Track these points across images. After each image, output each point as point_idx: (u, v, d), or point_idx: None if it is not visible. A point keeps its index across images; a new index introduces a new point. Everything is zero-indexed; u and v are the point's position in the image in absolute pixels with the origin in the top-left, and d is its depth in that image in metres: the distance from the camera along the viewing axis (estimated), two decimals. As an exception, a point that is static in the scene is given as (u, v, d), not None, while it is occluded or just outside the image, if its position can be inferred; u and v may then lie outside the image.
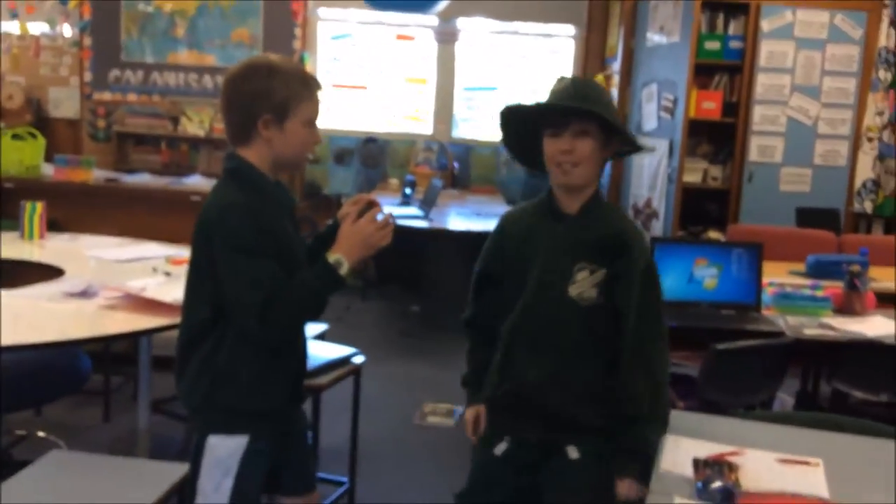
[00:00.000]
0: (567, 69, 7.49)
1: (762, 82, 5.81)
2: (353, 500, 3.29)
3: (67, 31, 7.26)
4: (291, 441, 2.12)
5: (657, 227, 6.07)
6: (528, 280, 1.99)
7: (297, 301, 1.89)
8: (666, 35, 6.14)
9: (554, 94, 1.97)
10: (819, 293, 3.44)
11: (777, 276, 3.82)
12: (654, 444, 1.87)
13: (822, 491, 1.68)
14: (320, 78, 7.38)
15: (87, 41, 7.28)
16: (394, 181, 7.29)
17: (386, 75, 7.59)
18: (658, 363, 1.96)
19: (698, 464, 1.73)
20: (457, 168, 7.44)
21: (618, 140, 2.00)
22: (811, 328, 3.17)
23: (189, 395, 2.00)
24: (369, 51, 7.57)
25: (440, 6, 5.49)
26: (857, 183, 5.93)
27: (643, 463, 1.85)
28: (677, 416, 2.02)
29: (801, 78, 5.82)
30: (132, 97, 7.36)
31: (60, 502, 2.18)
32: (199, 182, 5.21)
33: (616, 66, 6.87)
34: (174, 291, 2.63)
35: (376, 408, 4.28)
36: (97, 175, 5.04)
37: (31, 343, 2.36)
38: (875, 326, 3.22)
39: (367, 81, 7.61)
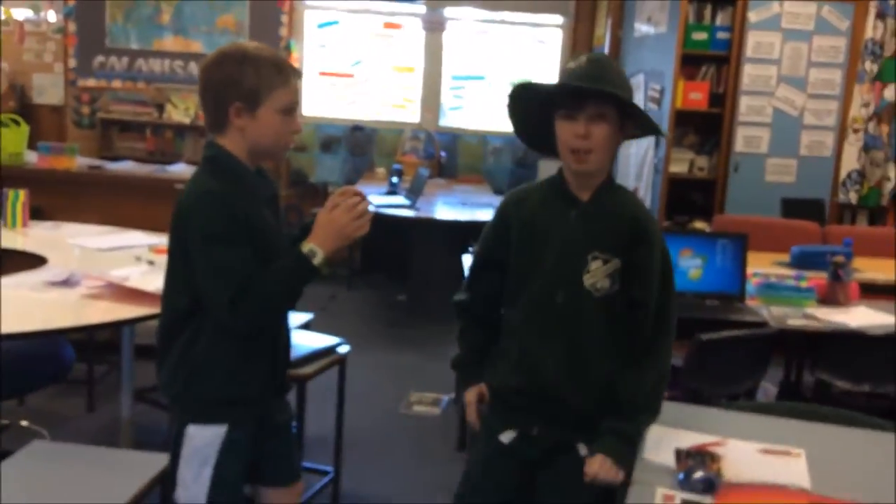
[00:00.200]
0: (554, 59, 7.48)
1: (749, 73, 5.82)
2: (338, 489, 3.29)
3: (52, 16, 7.19)
4: (274, 431, 2.11)
5: (643, 217, 6.06)
6: (539, 268, 1.90)
7: (269, 291, 1.86)
8: (653, 25, 6.13)
9: (568, 73, 1.83)
10: (803, 284, 3.46)
11: (761, 266, 3.84)
12: (642, 432, 1.84)
13: (804, 481, 1.68)
14: (307, 66, 7.40)
15: (72, 27, 7.21)
16: (381, 170, 7.27)
17: (373, 64, 7.56)
18: (665, 357, 1.92)
19: (680, 454, 1.73)
20: (444, 157, 7.43)
21: (632, 123, 1.88)
22: (795, 319, 3.18)
23: (168, 385, 1.99)
24: (356, 39, 7.53)
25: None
26: (843, 174, 5.95)
27: (626, 447, 1.81)
28: (660, 406, 2.03)
29: (788, 69, 5.83)
30: (117, 84, 7.30)
31: (41, 493, 2.17)
32: (183, 170, 5.17)
33: (603, 55, 6.86)
34: (157, 281, 2.60)
35: (362, 397, 4.27)
36: (81, 162, 5.00)
37: (12, 332, 2.34)
38: (858, 317, 3.24)
39: (355, 70, 7.57)
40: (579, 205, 1.90)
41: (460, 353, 2.11)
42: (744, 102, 5.84)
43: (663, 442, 1.81)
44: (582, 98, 1.79)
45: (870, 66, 5.85)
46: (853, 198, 5.95)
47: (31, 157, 4.90)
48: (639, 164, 6.16)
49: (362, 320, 5.93)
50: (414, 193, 5.88)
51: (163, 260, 2.06)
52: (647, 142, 5.97)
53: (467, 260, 3.83)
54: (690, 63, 5.89)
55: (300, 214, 6.94)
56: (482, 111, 7.60)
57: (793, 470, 1.73)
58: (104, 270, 2.91)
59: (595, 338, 1.89)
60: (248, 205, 1.91)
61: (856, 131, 5.91)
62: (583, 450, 1.91)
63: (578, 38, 7.41)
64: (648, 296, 1.88)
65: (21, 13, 7.17)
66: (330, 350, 3.11)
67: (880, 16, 5.82)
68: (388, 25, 7.52)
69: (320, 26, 7.51)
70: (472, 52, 7.58)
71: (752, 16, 5.77)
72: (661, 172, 5.88)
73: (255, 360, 1.99)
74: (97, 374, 4.09)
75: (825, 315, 3.23)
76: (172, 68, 7.28)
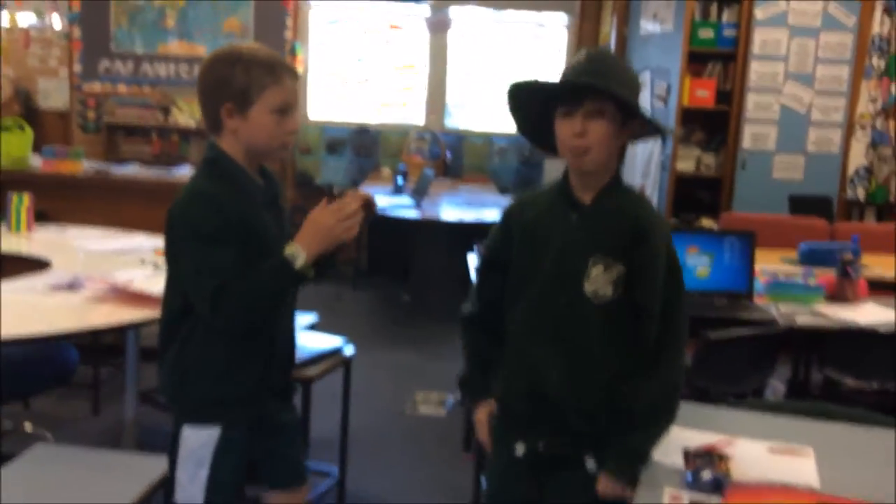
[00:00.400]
0: (560, 58, 7.46)
1: (755, 70, 5.79)
2: (343, 490, 3.27)
3: (57, 22, 7.20)
4: (276, 433, 2.08)
5: (650, 216, 6.04)
6: (539, 273, 1.83)
7: (249, 292, 1.84)
8: (659, 23, 6.11)
9: (568, 68, 1.76)
10: (811, 281, 3.43)
11: (769, 264, 3.81)
12: (651, 445, 1.76)
13: (813, 481, 1.66)
14: (312, 68, 7.40)
15: (77, 32, 7.22)
16: (386, 171, 7.26)
17: (378, 65, 7.55)
18: (677, 368, 1.81)
19: (688, 454, 1.70)
20: (449, 157, 7.41)
21: (638, 121, 1.78)
22: (803, 316, 3.16)
23: (165, 386, 1.99)
24: (361, 41, 7.52)
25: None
26: (850, 170, 5.93)
27: (632, 462, 1.74)
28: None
29: (795, 66, 5.80)
30: (122, 88, 7.31)
31: (42, 496, 2.16)
32: (188, 173, 5.17)
33: (609, 54, 6.84)
34: (161, 283, 2.58)
35: (367, 397, 4.26)
36: (86, 166, 5.00)
37: (16, 337, 2.33)
38: (867, 314, 3.21)
39: (360, 71, 7.56)
40: (580, 207, 1.82)
41: (466, 371, 2.03)
42: (751, 99, 5.82)
43: (671, 442, 1.78)
44: (579, 95, 1.72)
45: (877, 62, 5.82)
46: (861, 194, 5.92)
47: (36, 162, 4.91)
48: (645, 162, 6.14)
49: (367, 320, 5.92)
50: (419, 194, 5.86)
51: (167, 262, 2.05)
52: (654, 139, 5.94)
53: (472, 260, 3.82)
54: (697, 60, 5.87)
55: (306, 216, 6.93)
56: (487, 111, 7.58)
57: (802, 469, 1.71)
58: (108, 273, 2.90)
59: (597, 345, 1.80)
60: (242, 206, 1.89)
61: (863, 127, 5.88)
62: (590, 463, 1.83)
63: (584, 37, 7.39)
64: (651, 301, 1.78)
65: (26, 19, 7.18)
66: (335, 352, 3.10)
67: (887, 11, 5.80)
68: (393, 26, 7.51)
69: (325, 29, 7.50)
70: (476, 51, 7.56)
71: (759, 13, 5.75)
72: (668, 170, 5.86)
73: (249, 361, 1.96)
74: (102, 376, 4.08)
75: (834, 312, 3.20)
76: (177, 72, 7.28)
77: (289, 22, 7.25)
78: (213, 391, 1.94)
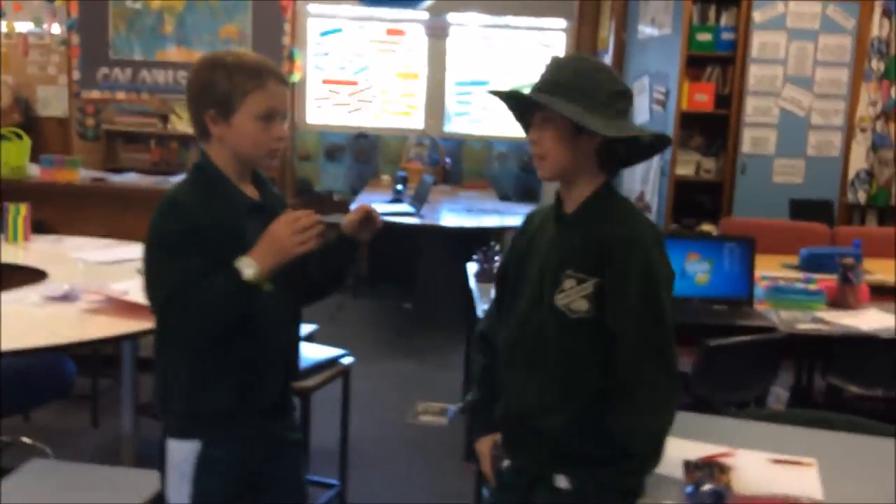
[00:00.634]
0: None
1: (754, 74, 5.77)
2: (345, 502, 3.25)
3: (55, 29, 7.19)
4: (274, 452, 2.00)
5: (650, 221, 6.02)
6: (524, 287, 1.80)
7: (196, 303, 1.78)
8: (657, 27, 6.10)
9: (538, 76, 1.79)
10: (812, 287, 3.41)
11: (770, 269, 3.79)
12: (628, 479, 1.68)
13: (816, 492, 1.65)
14: (310, 74, 7.39)
15: (75, 39, 7.22)
16: (385, 177, 7.24)
17: (377, 71, 7.54)
18: (649, 399, 1.66)
19: (689, 465, 1.69)
20: (448, 163, 7.39)
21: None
22: (804, 322, 3.14)
23: (155, 398, 1.96)
24: (360, 46, 7.52)
25: (428, 2, 5.45)
26: (851, 173, 5.90)
27: (605, 497, 1.68)
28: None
29: (794, 69, 5.78)
30: (121, 95, 7.30)
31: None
32: (187, 181, 5.15)
33: (607, 59, 6.83)
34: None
35: (368, 407, 4.24)
36: (84, 175, 4.99)
37: (11, 349, 2.32)
38: (869, 320, 3.19)
39: (358, 77, 7.56)
40: (563, 218, 1.79)
41: (475, 397, 1.99)
42: (750, 103, 5.79)
43: (671, 453, 1.75)
44: (532, 104, 1.74)
45: (876, 65, 5.80)
46: (862, 198, 5.89)
47: (34, 171, 4.90)
48: (645, 168, 6.12)
49: (369, 329, 5.90)
50: (419, 200, 5.85)
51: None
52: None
53: (472, 267, 3.80)
54: (695, 64, 5.85)
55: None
56: (487, 117, 7.57)
57: (805, 481, 1.70)
58: (105, 284, 2.89)
59: (573, 366, 1.72)
60: (221, 214, 1.85)
61: (863, 130, 5.86)
62: (561, 482, 1.74)
63: (582, 42, 7.38)
64: (620, 325, 1.68)
65: (24, 26, 7.17)
66: (333, 362, 3.09)
67: (886, 14, 5.78)
68: (392, 32, 7.50)
69: (323, 34, 7.50)
70: (475, 57, 7.55)
71: (757, 16, 5.73)
72: (668, 175, 5.84)
73: (226, 375, 1.89)
74: (101, 387, 4.06)
75: (835, 318, 3.18)
76: (176, 79, 7.27)
77: (287, 28, 7.25)
78: (191, 405, 1.90)
